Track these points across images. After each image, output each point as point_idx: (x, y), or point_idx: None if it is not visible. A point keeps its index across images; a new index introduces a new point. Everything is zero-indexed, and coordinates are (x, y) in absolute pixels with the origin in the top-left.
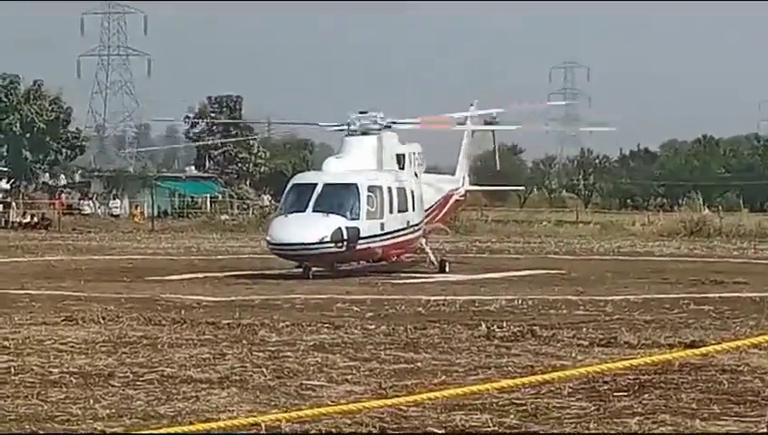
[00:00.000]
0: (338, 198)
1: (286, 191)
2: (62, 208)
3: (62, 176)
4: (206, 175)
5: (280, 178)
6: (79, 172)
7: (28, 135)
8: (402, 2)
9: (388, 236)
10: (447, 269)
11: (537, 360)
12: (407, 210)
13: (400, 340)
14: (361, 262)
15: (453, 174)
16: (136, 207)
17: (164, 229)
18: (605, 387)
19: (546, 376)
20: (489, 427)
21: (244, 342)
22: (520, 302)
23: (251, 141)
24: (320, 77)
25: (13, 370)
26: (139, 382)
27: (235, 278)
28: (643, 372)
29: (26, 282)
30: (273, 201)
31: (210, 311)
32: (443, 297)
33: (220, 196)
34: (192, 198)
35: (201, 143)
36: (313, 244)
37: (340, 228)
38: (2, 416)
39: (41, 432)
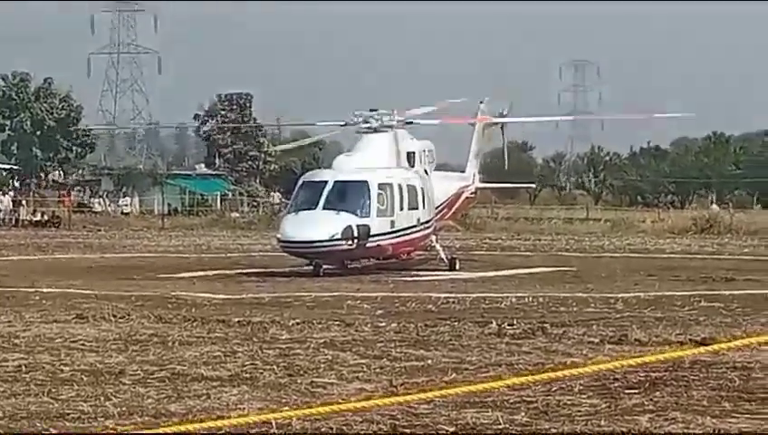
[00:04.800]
0: (348, 195)
1: (297, 189)
2: (72, 206)
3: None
4: (216, 173)
5: (290, 176)
6: (89, 170)
7: (38, 133)
8: (411, 0)
9: (399, 233)
10: (458, 267)
11: (548, 357)
12: (417, 208)
13: (411, 337)
14: (372, 259)
15: (463, 172)
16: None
17: (174, 227)
18: (616, 384)
19: (557, 373)
20: (500, 424)
21: (255, 339)
22: (530, 299)
23: (261, 139)
24: (330, 75)
25: (24, 368)
26: (149, 380)
27: (245, 276)
28: (654, 370)
29: (37, 280)
30: (283, 199)
31: (221, 308)
32: (453, 295)
33: (230, 193)
34: (202, 195)
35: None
36: (324, 241)
37: (350, 226)
38: (13, 414)
39: (52, 431)
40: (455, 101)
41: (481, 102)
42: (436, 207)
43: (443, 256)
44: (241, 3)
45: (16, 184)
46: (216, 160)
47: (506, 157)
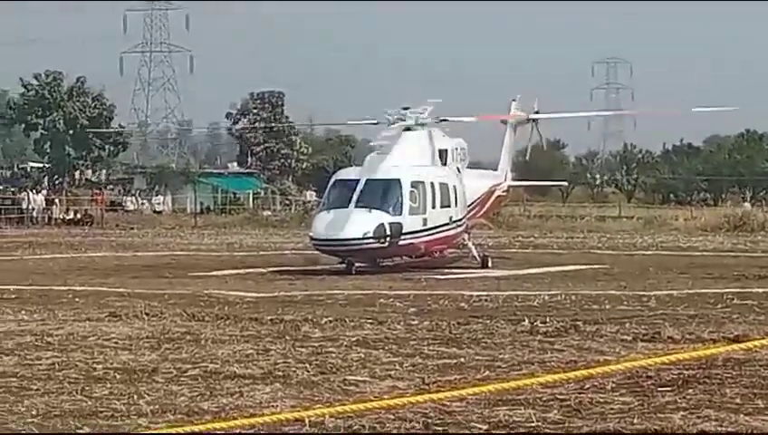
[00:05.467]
0: (380, 193)
1: (329, 187)
2: (105, 205)
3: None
4: (248, 171)
5: (322, 174)
6: (122, 168)
7: (71, 132)
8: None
9: (431, 231)
10: (490, 264)
11: (580, 355)
12: (449, 206)
13: (443, 335)
14: (404, 257)
15: (495, 169)
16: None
17: (207, 225)
18: (648, 382)
19: (589, 371)
20: (532, 422)
21: (288, 337)
22: (563, 297)
23: (293, 137)
24: (362, 72)
25: (57, 366)
26: (182, 378)
27: (277, 274)
28: (687, 367)
29: (70, 278)
30: (315, 197)
31: (253, 307)
32: (486, 292)
33: (262, 192)
34: (234, 194)
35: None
36: (356, 239)
37: (382, 224)
38: (47, 411)
39: (86, 429)
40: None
41: (513, 100)
42: (469, 205)
43: (475, 253)
44: (273, 2)
45: (47, 183)
46: (249, 159)
47: (529, 151)
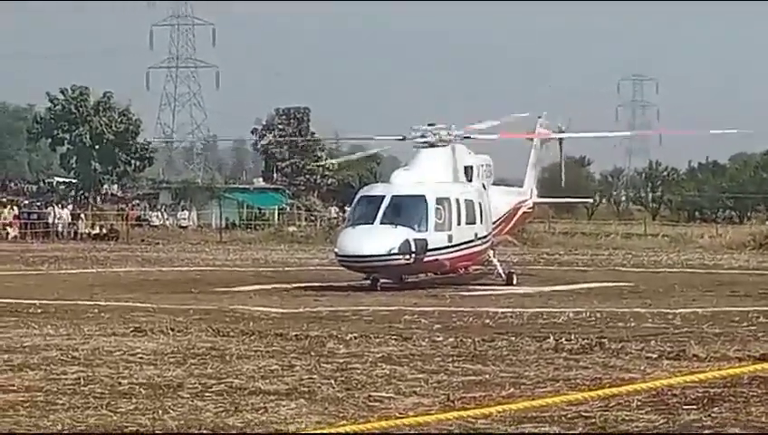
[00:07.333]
0: (406, 209)
1: (354, 203)
2: (132, 220)
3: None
4: (273, 187)
5: (347, 190)
6: (147, 183)
7: (97, 146)
8: (471, 18)
9: (456, 248)
10: (515, 281)
11: (606, 372)
12: (474, 222)
13: (468, 352)
14: (429, 274)
15: (521, 186)
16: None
17: (232, 241)
18: (674, 400)
19: (615, 389)
20: None
21: (313, 353)
22: (588, 314)
23: (318, 153)
24: (387, 88)
25: (82, 380)
26: (207, 394)
27: (302, 290)
28: (712, 386)
29: (95, 293)
30: (340, 213)
31: (278, 322)
32: (511, 309)
33: (288, 207)
34: (260, 209)
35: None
36: (381, 255)
37: (407, 240)
38: (72, 426)
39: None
40: (519, 115)
41: (539, 117)
42: (494, 222)
43: (500, 270)
44: (299, 17)
45: (73, 197)
46: (274, 174)
47: (563, 172)
